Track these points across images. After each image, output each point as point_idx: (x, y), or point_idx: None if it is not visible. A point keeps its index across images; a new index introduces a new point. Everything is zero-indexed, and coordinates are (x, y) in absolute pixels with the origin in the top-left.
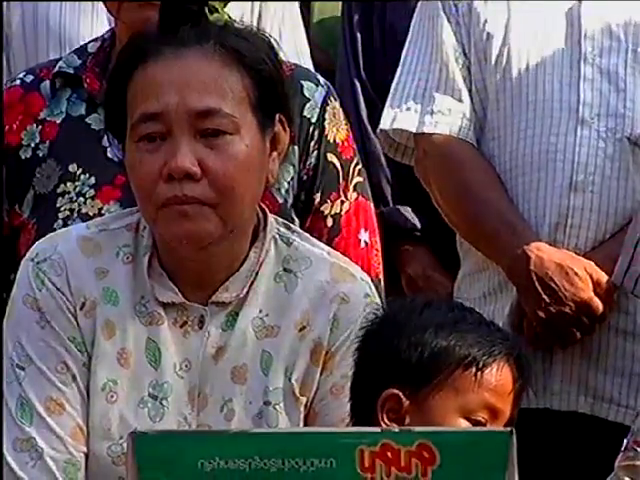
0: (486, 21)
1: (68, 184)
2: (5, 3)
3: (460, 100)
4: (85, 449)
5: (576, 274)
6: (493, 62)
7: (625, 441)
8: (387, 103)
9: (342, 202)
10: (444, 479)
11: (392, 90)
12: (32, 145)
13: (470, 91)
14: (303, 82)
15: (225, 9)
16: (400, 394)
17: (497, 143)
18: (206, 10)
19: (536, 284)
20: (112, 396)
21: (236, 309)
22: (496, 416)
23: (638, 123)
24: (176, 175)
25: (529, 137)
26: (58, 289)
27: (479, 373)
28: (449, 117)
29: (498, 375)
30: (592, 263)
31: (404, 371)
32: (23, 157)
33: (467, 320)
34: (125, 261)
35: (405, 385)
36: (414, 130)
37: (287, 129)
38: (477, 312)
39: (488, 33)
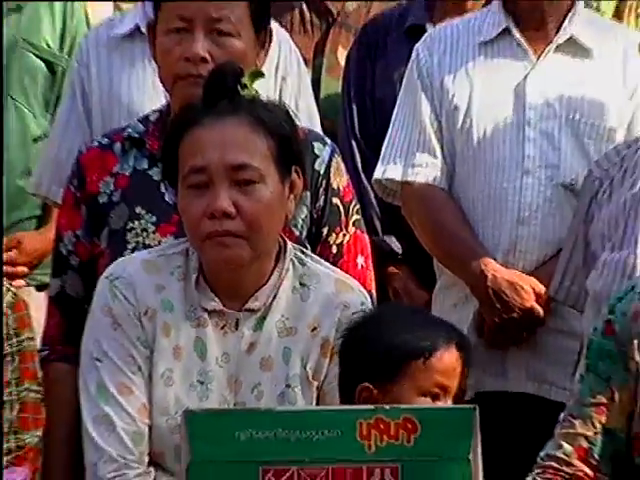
0: (454, 95)
1: (135, 222)
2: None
3: (435, 157)
4: (149, 422)
5: (522, 288)
6: (459, 127)
7: (562, 415)
8: (380, 159)
9: (344, 235)
10: (423, 445)
11: (383, 149)
12: (108, 192)
13: (442, 150)
14: (314, 143)
15: (253, 85)
16: (370, 386)
17: (463, 189)
18: (239, 87)
19: (492, 297)
20: (169, 381)
21: (263, 314)
22: (446, 390)
23: (569, 173)
24: (217, 214)
25: (487, 184)
26: (127, 300)
27: (427, 360)
28: (426, 169)
29: (443, 359)
30: (535, 280)
31: (370, 370)
32: (100, 202)
33: (416, 319)
34: (178, 278)
35: (373, 380)
36: (400, 179)
37: (301, 178)
38: (426, 312)
39: (455, 105)
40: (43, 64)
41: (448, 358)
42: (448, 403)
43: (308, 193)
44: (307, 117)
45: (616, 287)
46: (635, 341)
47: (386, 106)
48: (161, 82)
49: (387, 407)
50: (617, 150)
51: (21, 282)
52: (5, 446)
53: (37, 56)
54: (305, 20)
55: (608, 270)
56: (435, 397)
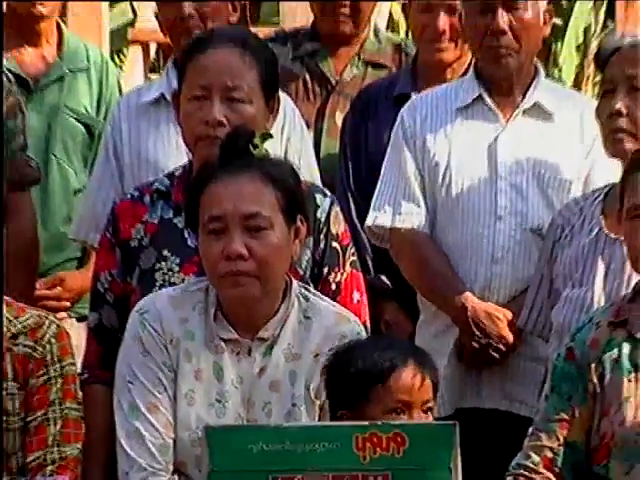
0: (434, 153)
1: (162, 263)
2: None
3: (419, 206)
4: (173, 436)
5: (498, 318)
6: (440, 181)
7: (530, 429)
8: (371, 208)
9: (342, 274)
10: (411, 456)
11: (373, 199)
12: (138, 237)
13: (425, 200)
14: (315, 194)
15: (263, 145)
16: (347, 412)
17: (443, 233)
18: (250, 147)
19: (472, 325)
20: (191, 401)
21: (272, 342)
22: (410, 406)
23: (536, 219)
24: (232, 256)
25: (464, 229)
26: (155, 331)
27: (387, 382)
28: (412, 217)
29: (401, 378)
30: (507, 311)
31: (344, 398)
32: (132, 245)
33: (378, 345)
34: (199, 312)
35: (348, 406)
36: (389, 225)
37: (305, 225)
38: (388, 337)
39: (436, 161)
40: (82, 127)
41: (406, 376)
42: (414, 416)
43: (311, 238)
44: (308, 172)
45: (576, 319)
46: (593, 365)
47: (377, 163)
48: (184, 142)
49: (379, 423)
50: (576, 201)
51: (64, 315)
52: (49, 457)
53: (77, 120)
54: (308, 89)
55: (569, 305)
56: (400, 412)
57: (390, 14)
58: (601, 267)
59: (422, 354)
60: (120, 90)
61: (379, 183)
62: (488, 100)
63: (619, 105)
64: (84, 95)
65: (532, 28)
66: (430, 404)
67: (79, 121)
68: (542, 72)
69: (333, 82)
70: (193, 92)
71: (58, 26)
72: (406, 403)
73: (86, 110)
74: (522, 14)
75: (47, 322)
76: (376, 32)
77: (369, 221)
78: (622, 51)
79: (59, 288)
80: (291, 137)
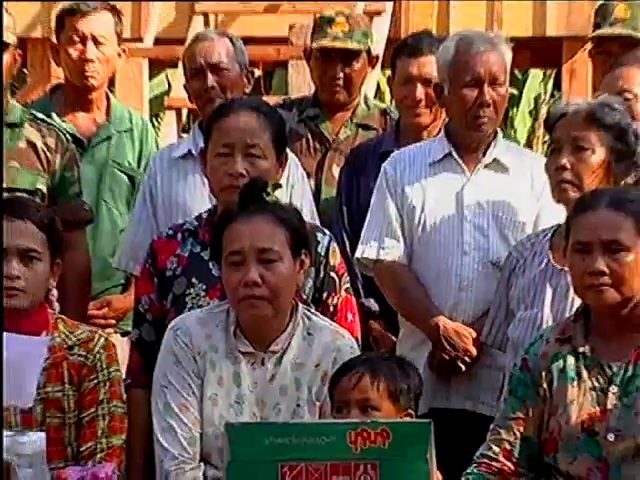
0: (412, 199)
1: (191, 289)
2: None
3: (398, 242)
4: (200, 431)
5: (464, 335)
6: (416, 222)
7: (491, 425)
8: (359, 243)
9: (338, 298)
10: (395, 448)
11: (362, 236)
12: (172, 268)
13: (404, 237)
14: (316, 233)
15: (274, 193)
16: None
17: (419, 265)
18: (264, 195)
19: (443, 342)
20: (215, 402)
21: (281, 355)
22: (348, 404)
23: (495, 254)
24: (248, 283)
25: (436, 262)
26: (185, 345)
27: (336, 385)
28: (393, 251)
29: (341, 381)
30: (472, 330)
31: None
32: (167, 275)
33: (359, 358)
34: (221, 329)
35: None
36: (374, 257)
37: (308, 258)
38: (367, 354)
39: (413, 205)
40: (126, 177)
41: (345, 379)
42: (351, 414)
43: (313, 269)
44: (309, 214)
45: (528, 335)
46: (543, 374)
47: (366, 207)
48: (210, 190)
49: (368, 421)
50: (528, 238)
51: (110, 330)
52: (99, 446)
53: (122, 172)
54: (310, 146)
55: (523, 323)
56: (341, 410)
57: (377, 85)
58: (549, 293)
59: (381, 364)
60: (157, 146)
61: (366, 223)
62: (456, 156)
63: (564, 161)
64: (128, 151)
65: (505, 100)
66: (372, 403)
67: (123, 172)
68: (500, 133)
69: (330, 141)
70: (218, 150)
71: (107, 95)
72: (345, 402)
73: (129, 164)
74: (500, 90)
75: (97, 336)
76: (366, 100)
77: (358, 253)
78: (567, 116)
79: (106, 309)
80: (295, 185)
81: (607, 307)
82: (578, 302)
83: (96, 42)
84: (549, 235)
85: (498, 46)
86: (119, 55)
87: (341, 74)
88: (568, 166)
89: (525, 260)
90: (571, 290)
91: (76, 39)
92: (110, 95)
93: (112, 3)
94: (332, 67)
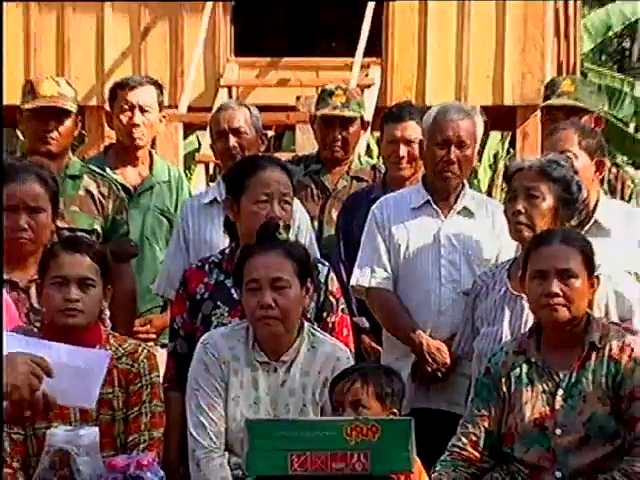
0: (398, 238)
1: (216, 310)
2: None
3: (386, 272)
4: (225, 426)
5: (442, 350)
6: (401, 257)
7: (461, 421)
8: (353, 272)
9: (335, 317)
10: (383, 440)
11: (355, 267)
12: (201, 293)
13: (391, 269)
14: (318, 264)
15: (284, 233)
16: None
17: (403, 293)
18: (277, 234)
19: (426, 356)
20: (237, 403)
21: (290, 364)
22: (342, 404)
23: (465, 284)
24: (264, 306)
25: (417, 290)
26: (213, 356)
27: (342, 388)
28: (381, 280)
29: (349, 386)
30: (445, 346)
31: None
32: (197, 298)
33: (352, 368)
34: (242, 343)
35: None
36: (366, 285)
37: (312, 285)
38: (360, 364)
39: (398, 243)
40: (165, 219)
41: (354, 385)
42: (347, 411)
43: (315, 294)
44: (311, 249)
45: (490, 347)
46: (503, 379)
47: (358, 243)
48: (242, 229)
49: (361, 418)
50: (490, 269)
51: (152, 343)
52: (142, 438)
53: (162, 215)
54: (314, 194)
55: (486, 338)
56: (337, 409)
57: (368, 145)
58: (507, 313)
59: (370, 372)
60: (190, 194)
61: (359, 256)
62: (433, 204)
63: (520, 207)
64: (166, 198)
65: (470, 160)
66: (363, 403)
67: (163, 216)
68: (467, 185)
69: (330, 190)
70: (257, 197)
71: (150, 152)
72: (341, 402)
73: (167, 208)
74: (466, 151)
75: (141, 348)
76: (359, 157)
77: (353, 281)
78: (522, 170)
79: (148, 326)
80: (301, 226)
81: (559, 323)
82: (531, 321)
83: (142, 110)
84: (507, 267)
85: (470, 116)
86: (160, 120)
87: (339, 136)
88: (523, 211)
89: (487, 287)
90: (525, 311)
91: (126, 108)
92: (152, 152)
93: (154, 78)
94: (332, 131)
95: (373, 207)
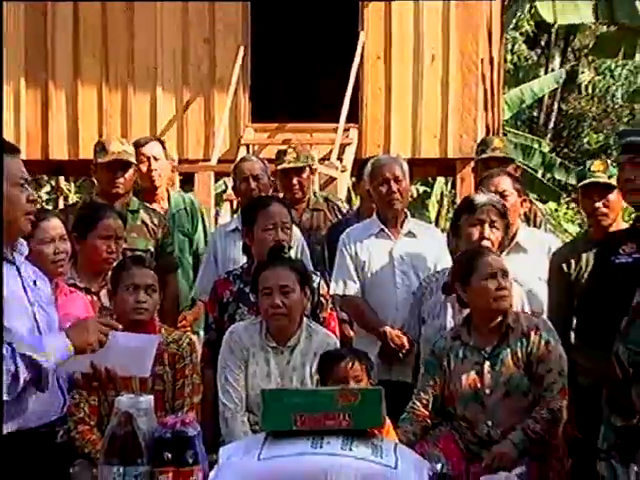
0: (361, 257)
1: (239, 310)
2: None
3: (355, 283)
4: (245, 394)
5: (401, 337)
6: (366, 270)
7: (415, 390)
8: (330, 284)
9: (325, 313)
10: (361, 404)
11: (332, 280)
12: (227, 297)
13: (359, 280)
14: (312, 275)
15: (289, 252)
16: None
17: (370, 297)
18: (283, 253)
19: (390, 342)
20: (254, 377)
21: (293, 348)
22: (347, 380)
23: (414, 288)
24: (274, 306)
25: (379, 295)
26: (236, 342)
27: (335, 367)
28: (351, 289)
29: (345, 366)
30: (401, 332)
31: (323, 377)
32: (224, 301)
33: (339, 351)
34: (258, 333)
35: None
36: (341, 294)
37: (309, 290)
38: (347, 349)
39: (363, 261)
40: (187, 238)
41: (350, 365)
42: (362, 383)
43: (311, 297)
44: (307, 263)
45: (434, 333)
46: (444, 358)
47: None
48: (256, 250)
49: (346, 387)
50: (433, 274)
51: (189, 332)
52: (185, 402)
53: (184, 235)
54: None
55: (431, 328)
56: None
57: (348, 189)
58: (450, 310)
59: (356, 352)
60: (216, 223)
61: (334, 272)
62: (386, 230)
63: (486, 234)
64: (185, 222)
65: (406, 190)
66: (360, 377)
67: (185, 235)
68: (409, 214)
69: (297, 222)
70: (265, 226)
71: (167, 190)
72: (343, 379)
73: (188, 229)
74: (401, 184)
75: (184, 337)
76: (314, 193)
77: (330, 291)
78: (486, 205)
79: (185, 321)
80: (298, 247)
81: (501, 310)
82: (465, 314)
83: (155, 159)
84: (446, 273)
85: (397, 160)
86: (172, 170)
87: (295, 182)
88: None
89: (431, 288)
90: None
91: (143, 159)
92: (169, 189)
93: (159, 137)
94: (289, 179)
95: (342, 235)
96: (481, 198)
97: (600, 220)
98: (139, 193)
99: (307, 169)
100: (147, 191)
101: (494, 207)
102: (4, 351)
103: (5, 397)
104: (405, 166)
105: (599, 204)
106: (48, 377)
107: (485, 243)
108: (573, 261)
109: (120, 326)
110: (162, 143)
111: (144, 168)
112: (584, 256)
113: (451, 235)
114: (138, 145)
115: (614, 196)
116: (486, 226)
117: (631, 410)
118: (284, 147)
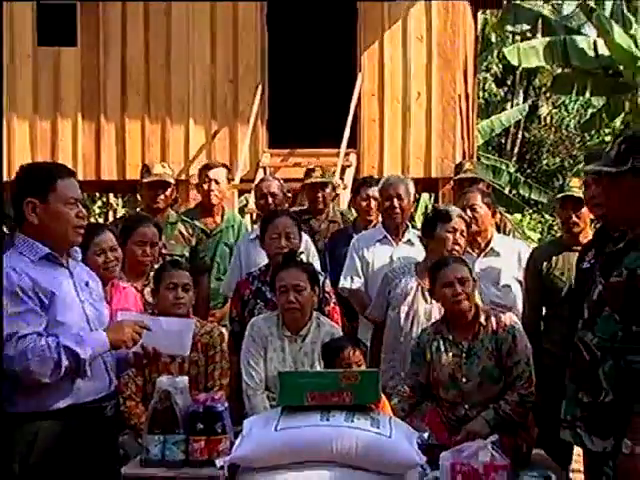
0: (367, 257)
1: (257, 306)
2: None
3: (360, 279)
4: (264, 375)
5: (365, 324)
6: (369, 269)
7: (404, 377)
8: (341, 279)
9: (330, 307)
10: (361, 383)
11: (342, 276)
12: (247, 295)
13: (363, 276)
14: (319, 274)
15: (300, 256)
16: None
17: (371, 291)
18: (295, 257)
19: (379, 328)
20: (272, 362)
21: (304, 337)
22: (350, 365)
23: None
24: (289, 302)
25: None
26: (257, 332)
27: (341, 355)
28: (357, 283)
29: (348, 353)
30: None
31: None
32: (245, 298)
33: (342, 338)
34: (275, 324)
35: (328, 366)
36: (348, 287)
37: (317, 288)
38: (345, 337)
39: (367, 261)
40: (228, 249)
41: (353, 353)
42: (362, 367)
43: (318, 293)
44: (316, 265)
45: (404, 317)
46: (427, 350)
47: (340, 262)
48: (269, 254)
49: (348, 370)
50: (399, 266)
51: (216, 324)
52: (216, 384)
53: (226, 246)
54: (305, 232)
55: (402, 313)
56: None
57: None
58: (422, 301)
59: (354, 341)
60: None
61: (344, 270)
62: (389, 237)
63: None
64: (231, 237)
65: (406, 207)
66: (360, 363)
67: (227, 246)
68: (410, 226)
69: (315, 229)
70: (272, 235)
71: (223, 207)
72: (347, 364)
73: (231, 243)
74: (402, 202)
75: (215, 329)
76: (333, 207)
77: (340, 285)
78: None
79: (214, 317)
80: (309, 251)
81: (463, 311)
82: (442, 310)
83: (216, 182)
84: (411, 266)
85: (403, 181)
86: (228, 189)
87: (319, 195)
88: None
89: (397, 280)
90: (429, 299)
91: (206, 180)
92: (225, 206)
93: (224, 163)
94: (315, 192)
95: (353, 240)
96: (454, 210)
97: (572, 227)
98: (199, 207)
99: (330, 185)
100: (205, 206)
101: (463, 219)
102: (50, 341)
103: (47, 380)
104: (410, 187)
105: (572, 214)
106: (85, 366)
107: (456, 248)
108: (546, 261)
109: (150, 326)
110: (228, 169)
111: (206, 187)
112: (554, 258)
113: (424, 237)
114: (207, 167)
115: (585, 209)
116: (457, 234)
117: (598, 387)
118: (311, 166)
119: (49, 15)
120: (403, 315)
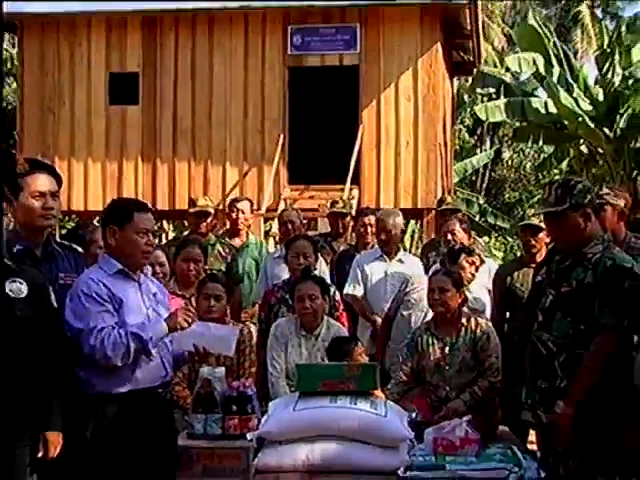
0: (366, 271)
1: (280, 310)
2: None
3: (361, 287)
4: (285, 366)
5: (386, 325)
6: (368, 281)
7: (398, 364)
8: (345, 287)
9: (339, 313)
10: (362, 373)
11: (346, 285)
12: (273, 301)
13: (364, 285)
14: (329, 286)
15: (314, 272)
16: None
17: (369, 298)
18: (310, 272)
19: (377, 328)
20: (290, 356)
21: (317, 335)
22: (360, 357)
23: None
24: (305, 308)
25: (375, 297)
26: (280, 331)
27: (350, 352)
28: (359, 291)
29: (355, 351)
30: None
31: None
32: (270, 304)
33: (347, 338)
34: (294, 325)
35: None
36: (351, 293)
37: (328, 297)
38: (351, 336)
39: (367, 274)
40: (254, 262)
41: (353, 351)
42: (364, 360)
43: (329, 301)
44: (327, 278)
45: (414, 322)
46: (418, 343)
47: (344, 277)
48: (290, 269)
49: (351, 363)
50: (414, 289)
51: (249, 325)
52: (246, 373)
53: (252, 259)
54: (327, 251)
55: (414, 314)
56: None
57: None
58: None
59: (357, 339)
60: (267, 251)
61: (348, 280)
62: (384, 256)
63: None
64: (255, 253)
65: (394, 236)
66: (361, 358)
67: (253, 259)
68: (401, 248)
69: (336, 250)
70: (292, 254)
71: (247, 231)
72: (354, 359)
73: (256, 257)
74: (390, 233)
75: (244, 328)
76: (350, 233)
77: (344, 291)
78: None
79: (247, 314)
80: (322, 268)
81: (438, 314)
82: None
83: (242, 212)
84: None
85: (391, 216)
86: (253, 217)
87: (340, 223)
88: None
89: (413, 297)
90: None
91: (235, 210)
92: (249, 231)
93: (249, 197)
94: (337, 220)
95: (357, 257)
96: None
97: (530, 249)
98: (228, 230)
99: (349, 216)
100: (233, 230)
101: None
102: (121, 331)
103: (119, 363)
104: (398, 219)
105: (531, 239)
106: (149, 346)
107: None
108: (509, 276)
109: (195, 313)
110: (251, 202)
111: (234, 216)
112: (516, 273)
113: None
114: (236, 200)
115: (542, 234)
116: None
117: (553, 375)
118: (336, 199)
119: (118, 81)
120: (414, 318)
